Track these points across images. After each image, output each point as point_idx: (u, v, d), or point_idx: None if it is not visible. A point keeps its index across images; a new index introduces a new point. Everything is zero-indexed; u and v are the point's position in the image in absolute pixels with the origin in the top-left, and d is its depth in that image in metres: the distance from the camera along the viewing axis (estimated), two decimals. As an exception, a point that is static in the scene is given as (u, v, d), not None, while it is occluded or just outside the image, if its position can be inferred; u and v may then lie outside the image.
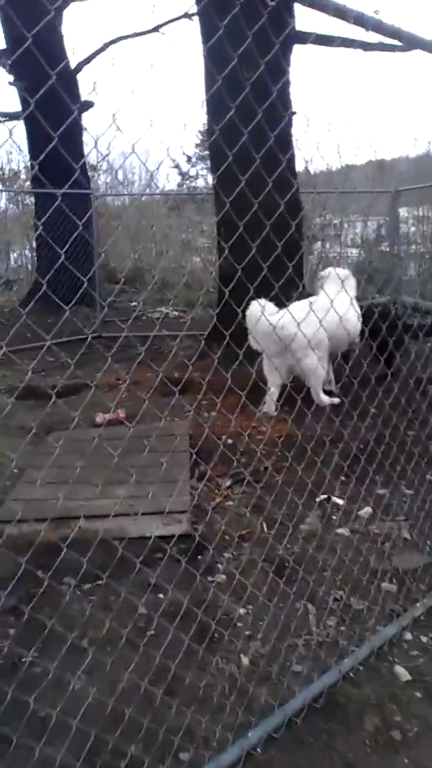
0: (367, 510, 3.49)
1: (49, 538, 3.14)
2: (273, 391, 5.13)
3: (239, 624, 2.55)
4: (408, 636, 2.50)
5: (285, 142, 5.88)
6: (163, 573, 2.95)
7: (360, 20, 1.70)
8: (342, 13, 1.67)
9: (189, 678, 2.21)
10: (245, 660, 2.35)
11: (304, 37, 5.57)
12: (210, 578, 2.89)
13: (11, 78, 10.94)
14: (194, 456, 4.34)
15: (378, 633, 2.45)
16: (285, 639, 2.44)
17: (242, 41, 1.80)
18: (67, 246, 1.51)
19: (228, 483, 3.99)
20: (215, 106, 5.60)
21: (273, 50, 1.97)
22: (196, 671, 2.28)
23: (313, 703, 2.11)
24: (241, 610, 2.67)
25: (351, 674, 2.27)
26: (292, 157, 6.01)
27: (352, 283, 5.58)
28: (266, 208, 2.16)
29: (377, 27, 1.76)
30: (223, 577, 2.90)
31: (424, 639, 2.49)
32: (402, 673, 2.27)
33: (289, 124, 6.13)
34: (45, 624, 2.57)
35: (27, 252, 13.85)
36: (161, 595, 2.77)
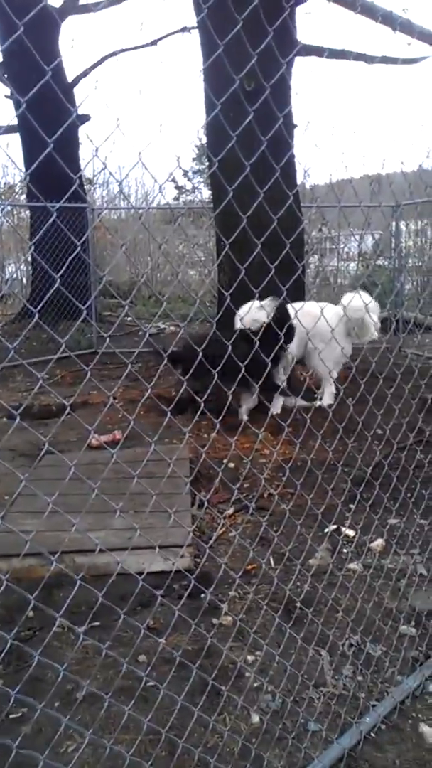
0: (379, 542, 3.29)
1: (42, 574, 2.94)
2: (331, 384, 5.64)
3: (247, 674, 2.34)
4: (431, 688, 2.30)
5: (289, 163, 5.72)
6: (164, 614, 2.75)
7: (388, 19, 1.54)
8: (369, 11, 1.51)
9: (193, 739, 2.01)
10: (255, 717, 2.14)
11: (313, 50, 5.43)
12: (214, 620, 2.69)
13: (8, 91, 10.85)
14: (194, 482, 4.15)
15: (399, 685, 2.25)
16: (298, 692, 2.24)
17: (243, 53, 1.61)
18: (63, 269, 1.33)
19: (231, 511, 3.79)
20: (215, 126, 5.49)
21: (277, 63, 1.79)
22: (201, 731, 2.07)
23: (333, 770, 1.90)
24: (249, 657, 2.47)
25: (372, 734, 2.06)
26: (294, 171, 5.88)
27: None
28: (268, 222, 1.98)
29: (406, 27, 1.60)
30: (228, 619, 2.69)
31: (449, 691, 2.29)
32: (428, 733, 2.06)
33: (291, 138, 6.00)
34: (37, 674, 2.38)
35: (22, 266, 13.70)
36: (161, 640, 2.55)
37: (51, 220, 1.03)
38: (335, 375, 5.52)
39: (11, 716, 2.19)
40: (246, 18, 1.49)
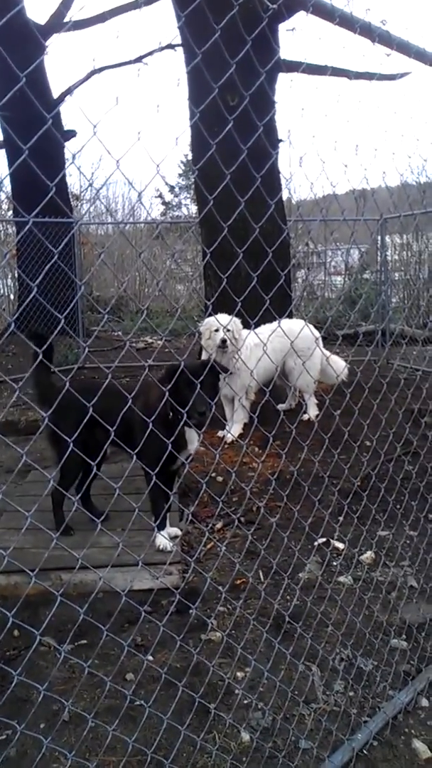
0: (369, 554, 3.27)
1: (27, 591, 2.88)
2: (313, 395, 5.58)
3: (236, 691, 2.30)
4: (424, 702, 2.26)
5: (273, 176, 5.74)
6: (152, 631, 2.70)
7: (366, 30, 1.55)
8: (348, 22, 1.52)
9: (181, 760, 1.97)
10: (245, 736, 2.09)
11: (292, 66, 5.49)
12: (202, 636, 2.64)
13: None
14: (182, 496, 4.11)
15: (391, 700, 2.22)
16: (288, 708, 2.20)
17: (224, 64, 1.61)
18: (41, 277, 1.31)
19: (219, 525, 3.76)
20: (199, 140, 5.53)
21: (259, 76, 1.79)
22: (189, 750, 2.03)
23: (325, 789, 1.86)
24: (238, 674, 2.42)
25: (365, 751, 2.02)
26: (278, 182, 5.91)
27: None
28: (252, 231, 1.97)
29: (384, 38, 1.61)
30: (217, 634, 2.65)
31: (441, 705, 2.25)
32: (421, 749, 2.03)
33: (275, 149, 6.03)
34: (21, 694, 2.33)
35: (9, 281, 13.65)
36: (150, 657, 2.51)
37: (26, 228, 1.01)
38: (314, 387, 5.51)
39: (-4, 739, 2.14)
40: (226, 30, 1.48)
